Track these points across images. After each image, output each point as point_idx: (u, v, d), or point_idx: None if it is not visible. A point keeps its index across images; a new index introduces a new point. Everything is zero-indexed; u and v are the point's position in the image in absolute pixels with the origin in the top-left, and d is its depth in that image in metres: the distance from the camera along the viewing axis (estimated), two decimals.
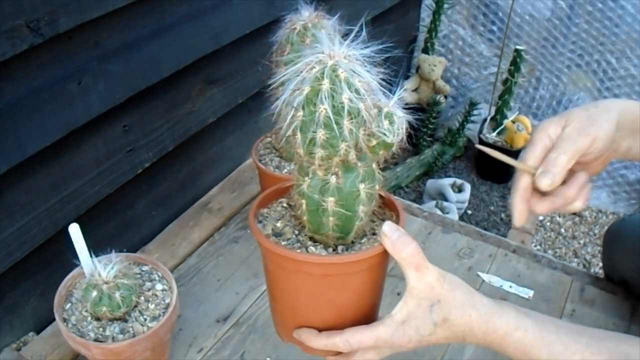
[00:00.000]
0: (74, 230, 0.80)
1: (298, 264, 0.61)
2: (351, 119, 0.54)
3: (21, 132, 0.86)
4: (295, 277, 0.64)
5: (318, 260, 0.61)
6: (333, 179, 0.59)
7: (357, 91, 0.53)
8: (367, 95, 0.54)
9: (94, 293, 0.80)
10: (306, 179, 0.60)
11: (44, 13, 0.81)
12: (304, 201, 0.61)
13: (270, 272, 0.68)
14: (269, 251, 0.63)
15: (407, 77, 2.18)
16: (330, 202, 0.60)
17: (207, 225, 1.22)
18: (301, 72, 0.54)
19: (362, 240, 0.66)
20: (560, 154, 0.65)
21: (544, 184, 0.65)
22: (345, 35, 0.55)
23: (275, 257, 0.64)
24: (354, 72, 0.53)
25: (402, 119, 0.58)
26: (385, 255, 0.63)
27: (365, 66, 0.54)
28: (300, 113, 0.55)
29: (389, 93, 0.58)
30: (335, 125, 0.54)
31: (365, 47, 0.55)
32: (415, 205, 1.32)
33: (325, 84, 0.53)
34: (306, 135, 0.55)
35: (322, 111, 0.53)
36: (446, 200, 1.82)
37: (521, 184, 0.68)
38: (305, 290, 0.65)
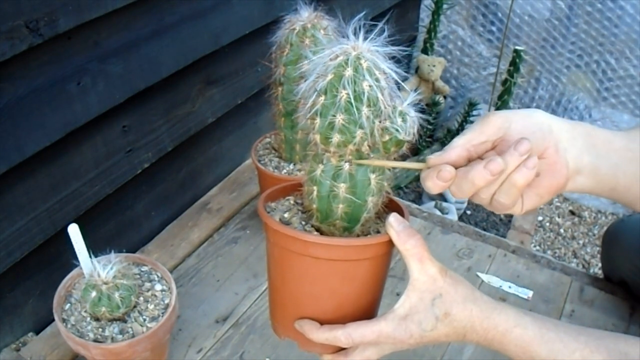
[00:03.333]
0: (74, 230, 0.80)
1: (304, 245, 0.63)
2: (369, 106, 0.57)
3: (21, 132, 0.86)
4: (300, 261, 0.65)
5: (324, 242, 0.63)
6: (346, 166, 0.61)
7: (377, 80, 0.57)
8: (386, 87, 0.57)
9: (93, 293, 0.80)
10: (320, 165, 0.62)
11: (43, 13, 0.81)
12: (315, 187, 0.63)
13: (274, 259, 0.69)
14: (275, 233, 0.65)
15: (406, 78, 2.19)
16: (341, 188, 0.62)
17: (207, 226, 1.22)
18: (326, 61, 0.57)
19: (371, 236, 0.67)
20: (459, 135, 0.62)
21: (432, 157, 0.61)
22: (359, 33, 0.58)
23: (281, 238, 0.65)
24: (376, 62, 0.57)
25: (414, 118, 0.61)
26: (389, 247, 0.64)
27: (386, 60, 0.58)
28: (323, 97, 0.58)
29: (403, 88, 0.60)
30: (355, 110, 0.57)
31: (386, 45, 0.57)
32: (414, 205, 1.32)
33: (349, 71, 0.56)
34: (326, 119, 0.58)
35: (343, 96, 0.56)
36: (445, 200, 1.82)
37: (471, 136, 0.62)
38: (308, 276, 0.65)
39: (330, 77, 0.57)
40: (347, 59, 0.56)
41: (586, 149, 0.62)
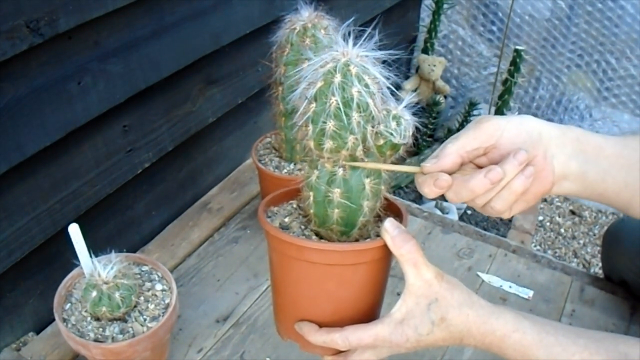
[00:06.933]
0: (74, 230, 0.80)
1: (300, 250, 0.63)
2: (359, 112, 0.57)
3: (21, 132, 0.86)
4: (298, 265, 0.65)
5: (318, 247, 0.63)
6: (340, 171, 0.62)
7: (366, 86, 0.57)
8: (376, 92, 0.58)
9: (94, 293, 0.80)
10: (315, 171, 0.63)
11: (43, 13, 0.81)
12: (311, 193, 0.64)
13: (274, 263, 0.69)
14: (273, 238, 0.66)
15: (406, 77, 2.18)
16: (336, 193, 0.62)
17: (207, 226, 1.22)
18: (316, 68, 0.58)
19: (366, 241, 0.67)
20: (451, 140, 0.62)
21: (426, 164, 0.61)
22: (355, 37, 0.58)
23: (279, 244, 0.66)
24: (365, 68, 0.57)
25: (409, 121, 0.61)
26: (385, 251, 0.64)
27: (376, 65, 0.58)
28: (313, 105, 0.58)
29: (396, 93, 0.60)
30: (344, 117, 0.57)
31: (376, 49, 0.58)
32: (414, 205, 1.32)
33: (338, 78, 0.57)
34: (317, 126, 0.59)
35: (332, 102, 0.57)
36: (446, 200, 1.82)
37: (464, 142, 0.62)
38: (306, 280, 0.66)
39: (319, 84, 0.57)
40: (336, 66, 0.57)
41: (575, 154, 0.63)
